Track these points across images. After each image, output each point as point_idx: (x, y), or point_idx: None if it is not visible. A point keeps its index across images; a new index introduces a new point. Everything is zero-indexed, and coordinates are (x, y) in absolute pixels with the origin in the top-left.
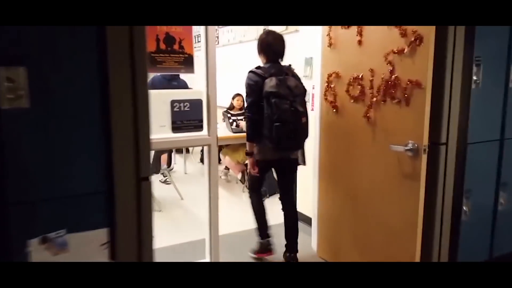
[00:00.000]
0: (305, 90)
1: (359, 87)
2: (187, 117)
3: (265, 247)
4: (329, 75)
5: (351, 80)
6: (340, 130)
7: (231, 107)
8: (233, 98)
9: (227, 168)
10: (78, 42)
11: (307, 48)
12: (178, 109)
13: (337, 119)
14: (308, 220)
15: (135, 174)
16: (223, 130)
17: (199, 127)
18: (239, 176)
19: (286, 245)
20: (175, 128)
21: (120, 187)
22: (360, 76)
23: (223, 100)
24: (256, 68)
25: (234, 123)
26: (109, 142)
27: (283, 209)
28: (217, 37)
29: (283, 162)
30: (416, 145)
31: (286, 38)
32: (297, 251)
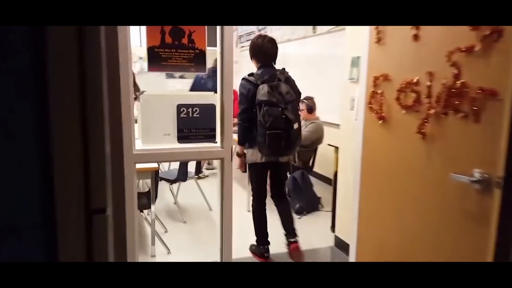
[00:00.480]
0: (298, 95)
1: (413, 94)
2: (196, 125)
3: (262, 253)
4: (376, 78)
5: (403, 85)
6: (386, 147)
7: None
8: None
9: None
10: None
11: (354, 46)
12: (185, 115)
13: (383, 133)
14: (345, 246)
15: (84, 204)
16: None
17: (211, 137)
18: None
19: (285, 234)
20: (182, 137)
21: (63, 221)
22: (415, 81)
23: None
24: (249, 75)
25: None
26: (48, 161)
27: (276, 205)
28: None
29: (275, 165)
30: (486, 175)
31: (332, 37)
32: (297, 235)
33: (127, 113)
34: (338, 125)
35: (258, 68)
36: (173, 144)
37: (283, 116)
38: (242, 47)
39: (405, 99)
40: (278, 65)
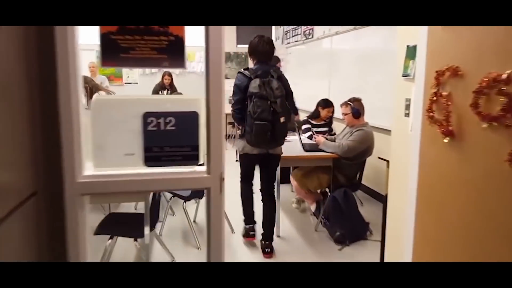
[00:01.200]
0: (287, 92)
1: (501, 98)
2: (171, 141)
3: (248, 232)
4: (440, 74)
5: (485, 84)
6: (455, 177)
7: (316, 115)
8: (322, 107)
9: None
10: None
11: (410, 32)
12: (155, 128)
13: (450, 155)
14: None
15: None
16: (293, 146)
17: (192, 159)
18: (313, 207)
19: (262, 234)
20: (150, 159)
21: None
22: (504, 77)
23: (308, 104)
24: (245, 69)
25: (312, 136)
26: None
27: (262, 200)
28: (311, 29)
29: (263, 156)
30: None
31: (387, 28)
32: (272, 240)
33: (69, 125)
34: (390, 131)
35: (254, 65)
36: (138, 168)
37: (271, 108)
38: (289, 43)
39: (486, 106)
40: (326, 61)
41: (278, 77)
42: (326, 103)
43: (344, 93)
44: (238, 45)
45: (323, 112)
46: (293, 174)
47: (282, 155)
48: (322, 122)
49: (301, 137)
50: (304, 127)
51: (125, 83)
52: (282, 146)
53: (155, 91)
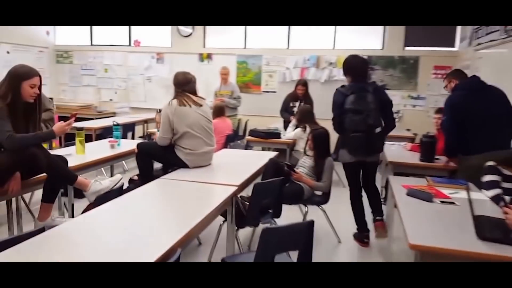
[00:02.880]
0: (384, 103)
1: None
2: None
3: (362, 238)
4: None
5: None
6: None
7: None
8: None
9: None
10: None
11: None
12: None
13: None
14: None
15: None
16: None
17: None
18: None
19: (372, 212)
20: None
21: None
22: None
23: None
24: (341, 87)
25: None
26: None
27: (366, 192)
28: None
29: (363, 164)
30: None
31: None
32: (383, 214)
33: None
34: None
35: (349, 82)
36: None
37: (365, 122)
38: (479, 44)
39: None
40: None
41: (374, 90)
42: None
43: None
44: (406, 48)
45: None
46: None
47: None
48: None
49: (475, 195)
50: (488, 178)
51: (263, 91)
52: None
53: (286, 103)
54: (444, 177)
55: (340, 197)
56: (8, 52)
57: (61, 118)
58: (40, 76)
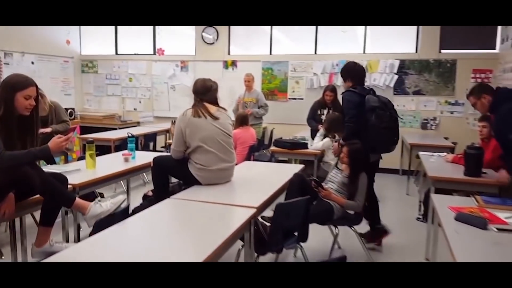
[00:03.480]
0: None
1: None
2: None
3: (381, 232)
4: None
5: None
6: None
7: None
8: None
9: None
10: None
11: None
12: None
13: None
14: None
15: None
16: None
17: None
18: None
19: (370, 219)
20: None
21: None
22: None
23: None
24: (349, 90)
25: None
26: None
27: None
28: None
29: (377, 163)
30: None
31: None
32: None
33: None
34: None
35: (352, 86)
36: None
37: (392, 116)
38: None
39: None
40: None
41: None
42: None
43: None
44: (442, 51)
45: None
46: None
47: None
48: None
49: None
50: None
51: (289, 98)
52: None
53: (313, 111)
54: (495, 196)
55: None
56: (32, 63)
57: (84, 128)
58: (36, 86)
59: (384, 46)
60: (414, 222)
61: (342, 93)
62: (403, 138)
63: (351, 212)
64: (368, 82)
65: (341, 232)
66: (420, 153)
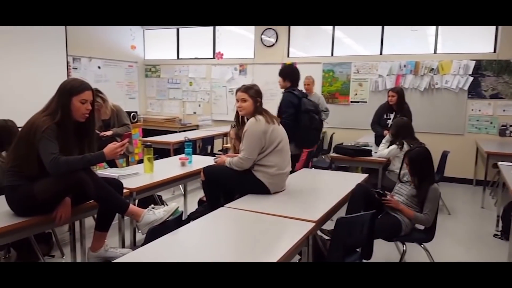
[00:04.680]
0: None
1: None
2: None
3: None
4: None
5: None
6: None
7: None
8: None
9: None
10: None
11: None
12: None
13: None
14: None
15: None
16: None
17: None
18: None
19: None
20: None
21: None
22: None
23: None
24: (293, 89)
25: None
26: None
27: None
28: None
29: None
30: None
31: None
32: None
33: None
34: None
35: (291, 87)
36: None
37: (321, 120)
38: None
39: None
40: None
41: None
42: None
43: None
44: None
45: None
46: None
47: None
48: None
49: None
50: None
51: (351, 101)
52: None
53: (378, 115)
54: None
55: (446, 228)
56: (99, 67)
57: (146, 131)
58: (92, 90)
59: (458, 45)
60: (491, 239)
61: (282, 92)
62: (478, 145)
63: (421, 227)
64: (439, 84)
65: (409, 249)
66: (500, 163)
